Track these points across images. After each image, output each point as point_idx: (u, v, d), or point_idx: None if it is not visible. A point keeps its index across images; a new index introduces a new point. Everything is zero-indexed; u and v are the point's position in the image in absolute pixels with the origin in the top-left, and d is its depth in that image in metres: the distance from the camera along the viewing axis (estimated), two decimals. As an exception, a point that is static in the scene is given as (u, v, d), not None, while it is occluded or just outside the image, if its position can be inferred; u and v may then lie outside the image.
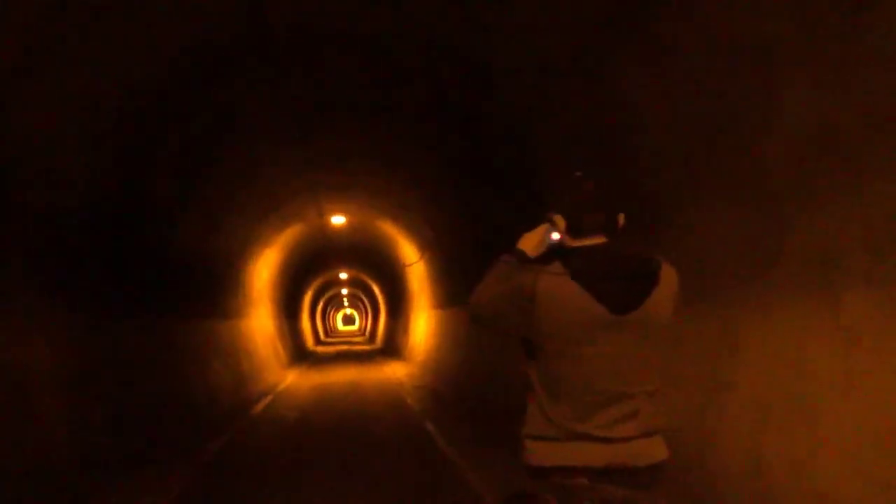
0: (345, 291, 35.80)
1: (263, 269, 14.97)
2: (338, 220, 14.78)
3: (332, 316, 48.40)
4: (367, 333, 35.40)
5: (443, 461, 5.76)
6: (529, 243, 2.08)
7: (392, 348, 20.55)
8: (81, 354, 5.52)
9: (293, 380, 13.98)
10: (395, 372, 14.69)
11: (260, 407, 9.85)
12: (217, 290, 10.98)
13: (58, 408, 4.89)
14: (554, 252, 2.00)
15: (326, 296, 33.65)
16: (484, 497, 4.56)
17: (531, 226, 2.13)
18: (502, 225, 7.17)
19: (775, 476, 2.69)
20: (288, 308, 19.69)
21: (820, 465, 2.49)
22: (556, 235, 2.01)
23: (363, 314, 42.07)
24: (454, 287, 11.46)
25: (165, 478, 5.31)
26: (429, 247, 13.08)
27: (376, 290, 26.04)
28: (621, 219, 1.98)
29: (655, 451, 1.90)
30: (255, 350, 13.39)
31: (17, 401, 4.42)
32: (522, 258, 2.05)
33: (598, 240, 1.93)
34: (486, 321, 2.07)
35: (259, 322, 14.63)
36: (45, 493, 4.26)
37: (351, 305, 49.31)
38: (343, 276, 26.55)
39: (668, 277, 1.91)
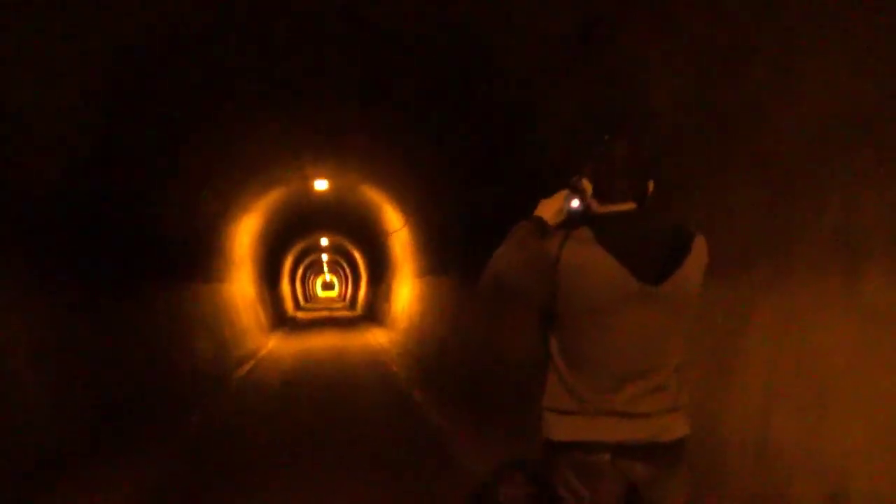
0: (325, 258, 35.54)
1: (244, 234, 14.72)
2: (321, 184, 14.50)
3: (311, 282, 48.14)
4: (347, 300, 35.31)
5: (435, 434, 5.74)
6: (548, 210, 1.99)
7: (373, 315, 20.51)
8: (59, 324, 5.34)
9: (275, 345, 13.88)
10: (377, 338, 14.66)
11: (243, 372, 9.76)
12: (198, 254, 10.76)
13: (36, 383, 4.73)
14: (577, 219, 1.92)
15: (307, 261, 33.37)
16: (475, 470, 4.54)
17: (550, 192, 2.03)
18: (500, 203, 7.06)
19: (782, 456, 2.67)
20: (269, 273, 19.48)
21: (829, 447, 2.47)
22: (575, 203, 1.92)
23: (343, 280, 41.90)
24: (440, 255, 11.37)
25: (150, 454, 5.20)
26: (414, 214, 12.92)
27: (358, 256, 25.87)
28: (651, 185, 1.90)
29: (678, 426, 1.86)
30: (236, 315, 13.22)
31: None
32: (541, 226, 1.96)
33: (627, 206, 1.84)
34: (504, 291, 1.97)
35: (240, 287, 14.43)
36: (28, 470, 4.14)
37: (331, 271, 49.08)
38: (324, 241, 26.29)
39: (700, 247, 1.84)
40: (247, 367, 10.36)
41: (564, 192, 1.97)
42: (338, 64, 7.17)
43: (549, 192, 2.04)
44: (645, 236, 1.78)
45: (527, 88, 5.72)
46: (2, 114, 4.34)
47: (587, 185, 1.88)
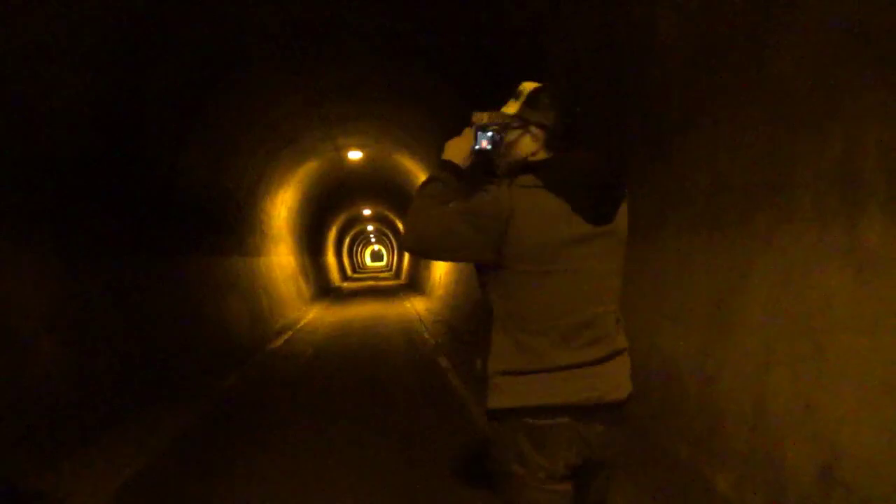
0: (370, 228, 35.85)
1: (282, 207, 14.89)
2: (354, 154, 14.50)
3: (359, 252, 48.76)
4: (393, 269, 35.62)
5: (453, 395, 5.71)
6: (457, 152, 1.86)
7: (415, 283, 20.61)
8: (82, 293, 5.49)
9: (315, 315, 14.10)
10: (415, 307, 14.71)
11: (279, 342, 9.94)
12: (231, 227, 10.93)
13: (56, 349, 4.88)
14: (486, 159, 1.84)
15: (352, 232, 33.75)
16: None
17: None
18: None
19: (777, 421, 2.47)
20: (311, 245, 19.73)
21: (824, 411, 2.26)
22: (485, 141, 1.80)
23: (390, 250, 42.23)
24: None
25: (171, 419, 5.35)
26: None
27: (400, 225, 25.97)
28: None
29: (628, 379, 1.76)
30: (274, 287, 13.46)
31: (11, 343, 4.39)
32: (456, 172, 1.84)
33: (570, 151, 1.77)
34: (433, 251, 1.85)
35: (279, 259, 14.66)
36: (46, 434, 4.28)
37: (378, 241, 49.57)
38: (367, 212, 26.47)
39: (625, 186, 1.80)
40: (284, 336, 10.56)
41: (470, 129, 1.83)
42: (363, 23, 7.00)
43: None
44: (589, 177, 1.69)
45: (541, 38, 5.48)
46: (12, 72, 4.38)
47: (485, 117, 1.78)
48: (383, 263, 53.52)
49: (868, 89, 2.24)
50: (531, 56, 5.88)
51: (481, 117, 1.78)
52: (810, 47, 2.52)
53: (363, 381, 6.67)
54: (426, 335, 9.95)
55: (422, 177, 14.88)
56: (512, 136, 1.79)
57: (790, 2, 2.62)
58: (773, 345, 2.58)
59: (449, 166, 1.81)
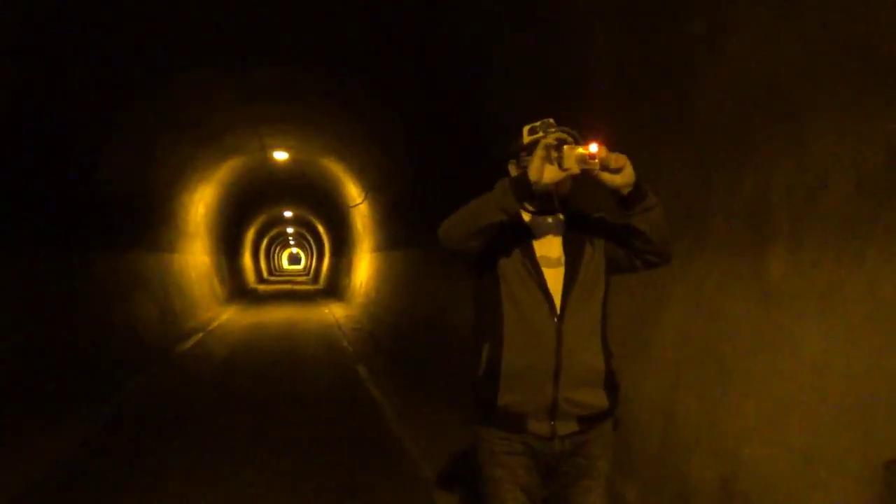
0: (290, 230, 35.08)
1: (200, 203, 14.36)
2: (280, 155, 14.19)
3: (277, 254, 47.56)
4: (311, 273, 35.00)
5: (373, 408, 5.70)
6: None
7: (334, 289, 20.34)
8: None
9: (229, 318, 13.65)
10: (333, 313, 14.52)
11: (189, 344, 9.56)
12: (146, 222, 10.44)
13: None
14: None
15: (271, 234, 32.90)
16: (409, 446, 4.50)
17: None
18: (449, 166, 6.94)
19: (684, 437, 2.65)
20: (228, 244, 19.11)
21: (725, 428, 2.45)
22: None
23: (309, 254, 41.49)
24: (396, 229, 11.24)
25: (72, 421, 5.05)
26: (373, 188, 12.74)
27: (321, 229, 25.58)
28: None
29: None
30: (188, 286, 12.94)
31: None
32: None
33: None
34: None
35: (194, 257, 14.12)
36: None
37: (297, 245, 48.52)
38: (288, 214, 25.90)
39: None
40: (195, 338, 10.16)
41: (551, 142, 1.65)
42: (295, 26, 6.89)
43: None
44: None
45: (479, 58, 5.60)
46: None
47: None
48: (301, 267, 52.40)
49: (777, 136, 2.46)
50: (471, 77, 5.98)
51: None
52: (729, 93, 2.74)
53: (279, 393, 6.49)
54: (345, 343, 9.85)
55: (349, 184, 14.73)
56: None
57: (712, 52, 2.84)
58: (684, 366, 2.76)
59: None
